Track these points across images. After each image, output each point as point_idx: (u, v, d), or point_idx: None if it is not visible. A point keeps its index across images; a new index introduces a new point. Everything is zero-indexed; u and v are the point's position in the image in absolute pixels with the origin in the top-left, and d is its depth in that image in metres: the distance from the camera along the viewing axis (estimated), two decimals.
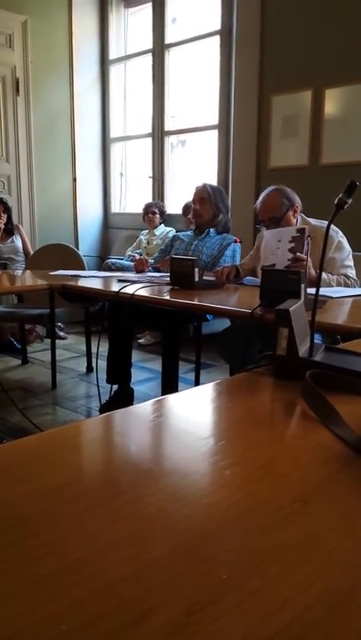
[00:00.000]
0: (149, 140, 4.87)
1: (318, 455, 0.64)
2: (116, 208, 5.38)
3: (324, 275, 2.23)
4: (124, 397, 2.81)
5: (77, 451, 0.68)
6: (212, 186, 3.07)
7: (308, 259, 2.05)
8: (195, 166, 4.71)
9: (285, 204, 2.40)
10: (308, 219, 2.46)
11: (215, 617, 0.37)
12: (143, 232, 4.63)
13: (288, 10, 3.57)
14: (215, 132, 4.28)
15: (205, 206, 2.99)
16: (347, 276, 2.29)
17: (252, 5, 3.74)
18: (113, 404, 2.71)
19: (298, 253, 2.11)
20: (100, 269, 4.18)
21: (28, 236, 4.59)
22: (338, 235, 2.33)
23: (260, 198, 2.47)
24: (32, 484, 0.55)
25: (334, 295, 1.97)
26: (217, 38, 4.15)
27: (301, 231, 2.15)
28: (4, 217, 4.08)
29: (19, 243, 4.29)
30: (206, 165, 4.44)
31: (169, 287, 2.31)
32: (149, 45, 4.73)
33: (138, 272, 3.00)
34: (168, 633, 0.35)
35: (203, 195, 3.00)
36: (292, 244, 2.14)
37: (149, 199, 4.82)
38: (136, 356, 3.55)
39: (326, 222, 1.04)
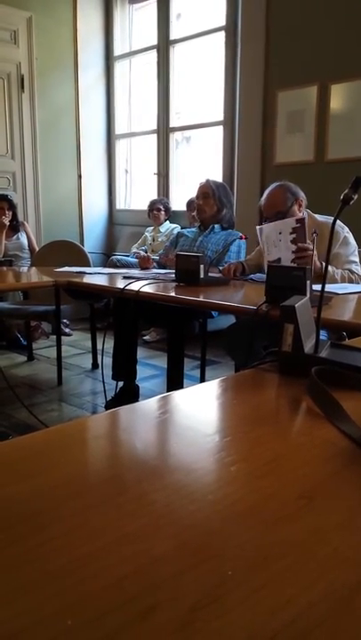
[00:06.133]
0: (154, 136, 4.86)
1: (324, 451, 0.64)
2: (121, 205, 5.38)
3: (329, 267, 2.22)
4: (129, 394, 2.81)
5: (83, 447, 0.68)
6: (216, 182, 3.09)
7: (314, 249, 2.04)
8: (200, 163, 4.70)
9: (290, 199, 2.39)
10: (315, 215, 2.46)
11: (220, 613, 0.37)
12: (148, 229, 4.63)
13: (293, 5, 3.55)
14: (220, 129, 4.27)
15: (208, 201, 3.00)
16: (351, 271, 2.29)
17: (257, 1, 3.72)
18: (118, 400, 2.72)
19: (301, 244, 2.10)
20: (105, 266, 4.18)
21: (34, 232, 4.59)
22: (344, 230, 2.33)
23: (265, 195, 2.47)
24: (38, 480, 0.56)
25: (340, 291, 1.97)
26: (222, 34, 4.14)
27: (301, 221, 2.14)
28: (9, 214, 4.08)
29: (24, 239, 4.29)
30: (211, 162, 4.43)
31: (174, 284, 2.31)
32: (154, 41, 4.72)
33: (142, 269, 3.01)
34: (173, 629, 0.35)
35: (206, 190, 3.01)
36: (294, 235, 2.13)
37: (154, 196, 4.81)
38: (141, 352, 3.55)
39: (332, 218, 1.04)
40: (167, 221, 4.56)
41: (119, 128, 5.25)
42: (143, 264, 3.04)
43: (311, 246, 2.04)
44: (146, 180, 5.09)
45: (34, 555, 0.43)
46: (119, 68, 5.16)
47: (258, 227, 2.38)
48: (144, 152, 5.12)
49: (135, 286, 2.18)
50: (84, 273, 2.84)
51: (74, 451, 0.65)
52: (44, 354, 3.93)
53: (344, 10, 3.32)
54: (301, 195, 2.43)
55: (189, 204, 4.11)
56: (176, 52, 4.64)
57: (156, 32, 4.68)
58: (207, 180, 3.06)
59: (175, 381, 2.53)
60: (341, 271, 2.26)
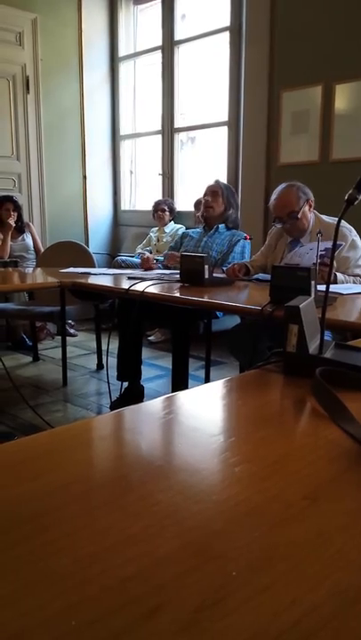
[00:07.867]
0: (159, 137, 4.86)
1: (328, 452, 0.64)
2: (125, 205, 5.38)
3: (341, 276, 2.22)
4: (134, 394, 2.82)
5: (88, 448, 0.68)
6: (224, 183, 3.18)
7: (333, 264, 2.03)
8: (204, 163, 4.70)
9: (302, 198, 2.39)
10: (321, 216, 2.45)
11: (224, 614, 0.37)
12: (153, 229, 4.63)
13: (297, 5, 3.55)
14: (225, 129, 4.27)
15: (217, 199, 3.05)
16: None
17: (262, 1, 3.72)
18: (123, 401, 2.72)
19: (326, 259, 2.06)
20: (110, 267, 4.19)
21: (39, 233, 4.61)
22: (351, 233, 2.31)
23: (275, 195, 2.46)
24: (42, 481, 0.56)
25: (345, 292, 1.96)
26: (226, 35, 4.13)
27: (338, 246, 2.14)
28: (15, 215, 4.10)
29: (29, 240, 4.31)
30: (216, 162, 4.43)
31: (179, 284, 2.31)
32: (159, 42, 4.72)
33: (145, 270, 3.02)
34: (177, 630, 0.35)
35: (215, 189, 3.08)
36: (323, 252, 2.11)
37: (159, 196, 4.82)
38: (146, 353, 3.55)
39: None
40: (172, 222, 4.56)
41: (124, 129, 5.25)
42: (145, 265, 3.06)
43: (329, 263, 2.03)
44: (150, 180, 5.10)
45: (38, 555, 0.43)
46: (124, 68, 5.16)
47: (308, 245, 2.33)
48: (149, 153, 5.12)
49: (140, 287, 2.18)
50: (89, 274, 2.85)
51: (79, 451, 0.65)
52: (50, 354, 3.94)
53: (348, 10, 3.31)
54: (311, 196, 2.43)
55: (197, 204, 4.11)
56: (181, 53, 4.64)
57: (161, 33, 4.68)
58: (216, 181, 3.15)
59: (180, 382, 2.52)
60: (353, 278, 2.25)
